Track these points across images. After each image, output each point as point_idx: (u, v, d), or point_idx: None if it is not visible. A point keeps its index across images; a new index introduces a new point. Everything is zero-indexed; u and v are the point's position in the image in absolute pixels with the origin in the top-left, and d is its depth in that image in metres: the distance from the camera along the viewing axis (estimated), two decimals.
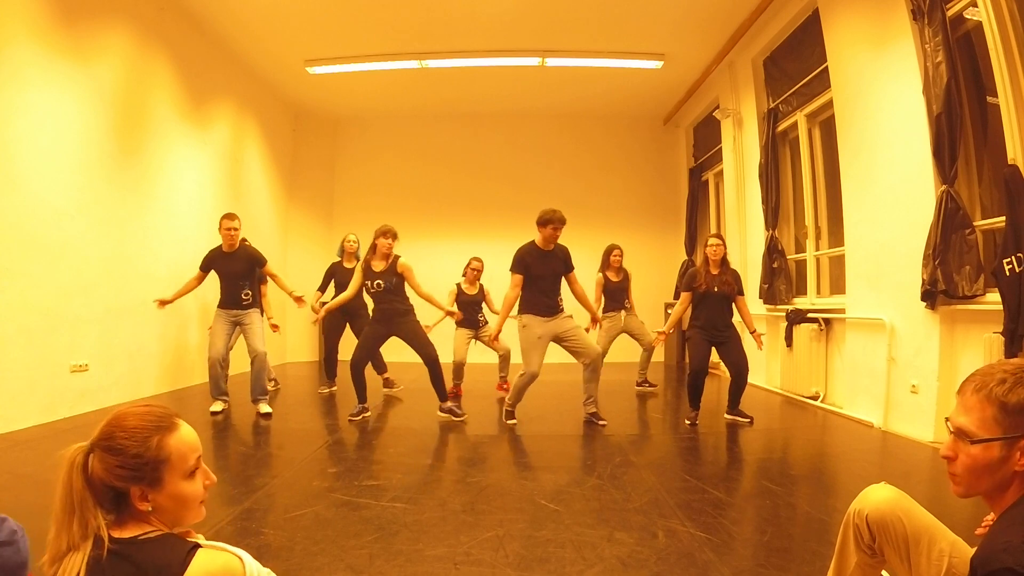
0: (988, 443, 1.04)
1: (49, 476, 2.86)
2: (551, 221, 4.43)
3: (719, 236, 4.72)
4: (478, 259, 5.92)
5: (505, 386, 5.89)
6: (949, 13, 3.77)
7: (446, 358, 5.03)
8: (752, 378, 6.61)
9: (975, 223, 3.77)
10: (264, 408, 4.79)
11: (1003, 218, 3.43)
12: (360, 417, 4.63)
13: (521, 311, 4.51)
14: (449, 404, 4.69)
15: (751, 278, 6.68)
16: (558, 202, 9.22)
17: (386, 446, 3.93)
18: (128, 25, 5.16)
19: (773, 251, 6.10)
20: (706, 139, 8.46)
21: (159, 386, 5.69)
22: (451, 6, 6.01)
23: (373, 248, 4.60)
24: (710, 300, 4.55)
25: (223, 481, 3.01)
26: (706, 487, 2.98)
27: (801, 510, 2.70)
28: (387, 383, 5.88)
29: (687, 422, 4.53)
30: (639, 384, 6.23)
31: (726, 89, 7.23)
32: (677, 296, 8.65)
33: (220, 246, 4.87)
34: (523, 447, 3.98)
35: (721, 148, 7.65)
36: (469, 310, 5.70)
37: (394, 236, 4.59)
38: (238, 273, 4.84)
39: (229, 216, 4.82)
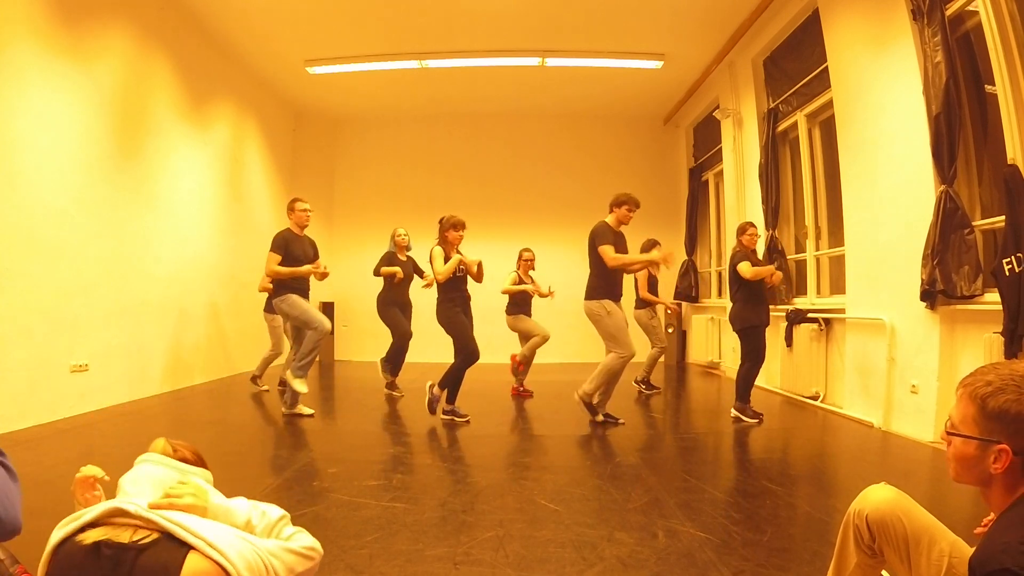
0: (966, 439, 1.08)
1: (48, 476, 2.84)
2: (627, 201, 4.47)
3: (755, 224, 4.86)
4: (528, 250, 6.01)
5: (522, 389, 5.86)
6: (948, 12, 3.78)
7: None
8: None
9: (974, 223, 3.77)
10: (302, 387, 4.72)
11: (1002, 218, 3.43)
12: (466, 419, 4.55)
13: (599, 296, 4.41)
14: (453, 406, 4.61)
15: None
16: (557, 202, 9.32)
17: (386, 446, 3.93)
18: (128, 25, 5.16)
19: (773, 251, 6.10)
20: (706, 139, 8.46)
21: (159, 386, 5.69)
22: (451, 6, 6.01)
23: (445, 239, 4.60)
24: (760, 284, 4.61)
25: (224, 481, 3.00)
26: (706, 487, 2.98)
27: (801, 510, 2.70)
28: (391, 386, 5.84)
29: (756, 421, 4.53)
30: (640, 382, 6.13)
31: (726, 89, 7.23)
32: (677, 296, 8.68)
33: (289, 229, 4.75)
34: (523, 447, 3.98)
35: (721, 148, 7.65)
36: (526, 296, 5.80)
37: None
38: (311, 257, 4.82)
39: (303, 200, 4.87)
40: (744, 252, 4.70)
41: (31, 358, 4.18)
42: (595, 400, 4.49)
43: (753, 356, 4.62)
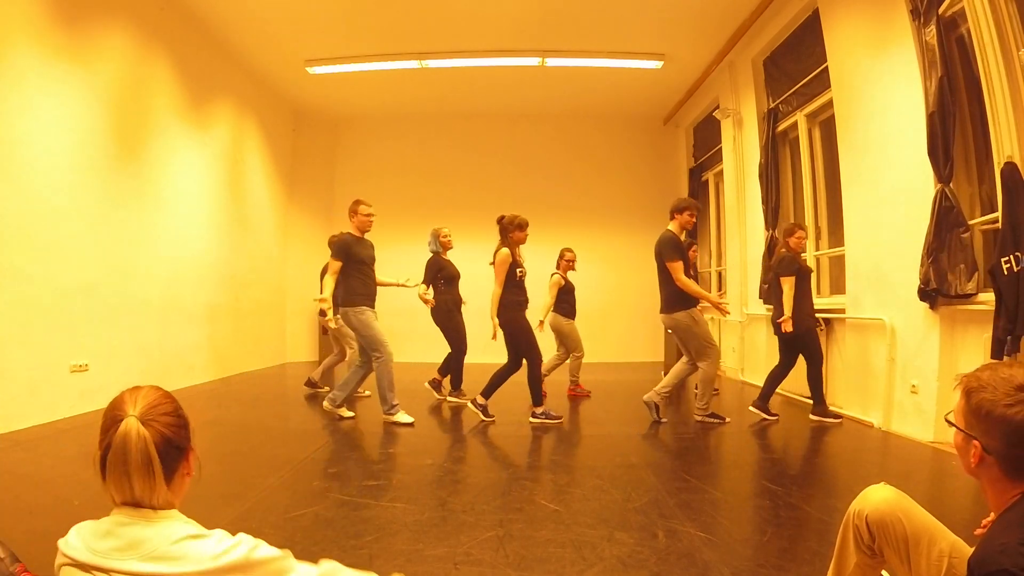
0: (957, 430, 1.13)
1: (49, 476, 2.84)
2: (688, 207, 4.45)
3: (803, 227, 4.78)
4: (570, 250, 5.92)
5: (579, 388, 5.82)
6: (942, 11, 3.77)
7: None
8: (752, 378, 6.64)
9: (971, 221, 3.76)
10: (406, 417, 4.48)
11: (994, 216, 3.44)
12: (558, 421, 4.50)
13: (686, 307, 4.36)
14: (544, 408, 4.53)
15: (751, 278, 6.69)
16: (557, 202, 9.31)
17: (386, 446, 3.93)
18: (128, 25, 5.16)
19: (773, 251, 6.10)
20: (706, 139, 8.46)
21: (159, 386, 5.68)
22: (451, 6, 6.01)
23: (510, 239, 4.54)
24: (807, 287, 4.60)
25: (223, 481, 3.01)
26: (706, 487, 2.98)
27: (801, 510, 2.69)
28: (438, 384, 5.65)
29: (830, 419, 4.51)
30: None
31: (726, 89, 7.23)
32: None
33: (350, 232, 4.58)
34: (523, 447, 3.98)
35: (721, 148, 7.65)
36: (570, 299, 5.74)
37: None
38: (374, 259, 4.68)
39: (367, 203, 4.65)
40: (793, 256, 4.61)
41: (31, 358, 4.18)
42: (660, 403, 4.57)
43: (816, 357, 4.60)
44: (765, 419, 4.64)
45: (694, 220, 4.51)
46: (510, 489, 2.97)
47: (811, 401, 5.31)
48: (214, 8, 5.96)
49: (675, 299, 4.40)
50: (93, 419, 4.29)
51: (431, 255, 5.51)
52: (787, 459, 3.78)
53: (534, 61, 7.12)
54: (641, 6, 5.95)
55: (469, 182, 9.31)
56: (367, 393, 5.57)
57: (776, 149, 6.20)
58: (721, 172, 7.77)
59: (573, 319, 5.78)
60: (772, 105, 6.27)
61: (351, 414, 4.65)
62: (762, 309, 6.27)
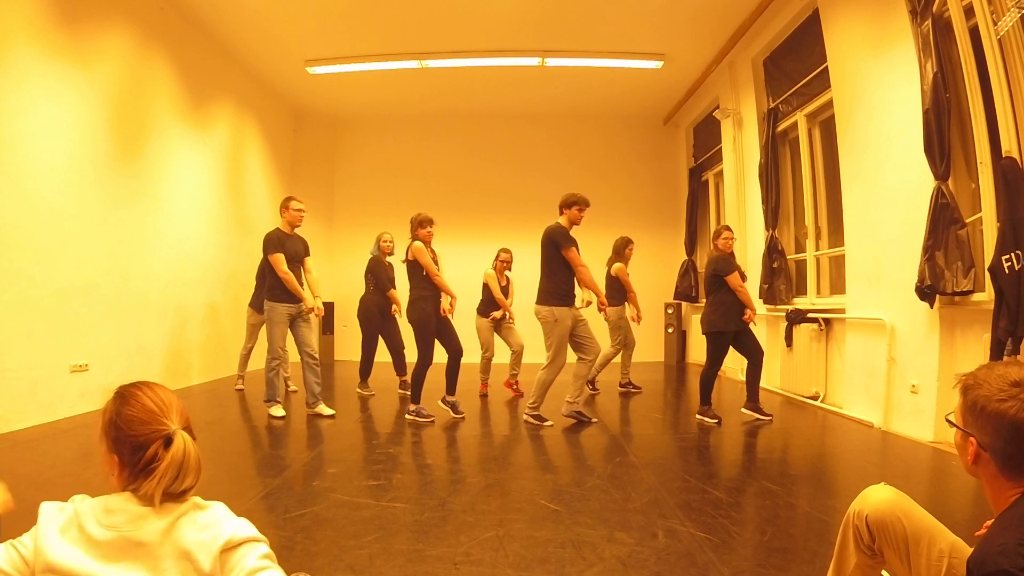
0: (956, 428, 1.14)
1: (48, 476, 2.84)
2: (577, 202, 4.42)
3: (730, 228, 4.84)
4: (506, 250, 5.87)
5: (515, 384, 5.83)
6: (935, 7, 3.78)
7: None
8: None
9: (969, 219, 3.76)
10: (327, 410, 4.73)
11: (982, 215, 3.45)
12: (429, 420, 4.55)
13: (553, 303, 4.34)
14: (453, 399, 4.73)
15: (751, 278, 6.68)
16: (556, 202, 9.25)
17: (386, 446, 3.93)
18: (128, 25, 5.16)
19: (773, 251, 6.10)
20: (706, 139, 8.46)
21: None
22: (451, 6, 6.01)
23: (417, 235, 4.61)
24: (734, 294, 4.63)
25: (223, 481, 3.01)
26: (706, 487, 2.98)
27: (801, 510, 2.70)
28: (405, 384, 5.86)
29: (710, 419, 4.54)
30: (624, 386, 6.12)
31: (726, 89, 7.23)
32: (677, 296, 8.68)
33: (279, 228, 4.70)
34: (523, 447, 3.98)
35: (721, 148, 7.65)
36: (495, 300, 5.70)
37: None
38: (301, 255, 4.77)
39: (298, 199, 4.78)
40: (723, 256, 4.67)
41: (31, 358, 4.18)
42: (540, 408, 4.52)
43: (712, 360, 4.68)
44: (759, 419, 4.64)
45: (582, 215, 4.47)
46: (510, 489, 2.97)
47: (811, 400, 5.33)
48: (214, 8, 5.96)
49: (547, 292, 4.40)
50: (93, 419, 4.29)
51: (372, 257, 5.72)
52: (787, 459, 3.77)
53: (534, 61, 7.12)
54: (641, 6, 5.94)
55: (469, 182, 9.31)
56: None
57: (776, 149, 6.20)
58: (721, 172, 7.77)
59: (488, 318, 5.69)
60: (772, 105, 6.27)
61: (331, 412, 4.71)
62: (762, 309, 6.26)
